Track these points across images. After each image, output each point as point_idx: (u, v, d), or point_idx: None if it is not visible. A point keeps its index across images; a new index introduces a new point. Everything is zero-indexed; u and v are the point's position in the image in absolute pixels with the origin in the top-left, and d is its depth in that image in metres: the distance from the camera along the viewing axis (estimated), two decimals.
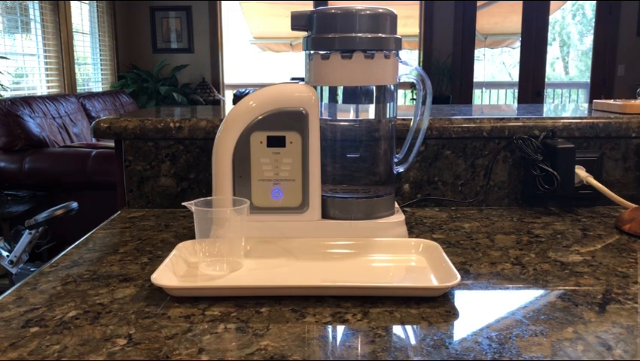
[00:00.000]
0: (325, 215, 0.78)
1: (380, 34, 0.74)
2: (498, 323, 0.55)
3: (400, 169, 0.84)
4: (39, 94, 4.10)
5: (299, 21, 0.77)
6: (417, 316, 0.56)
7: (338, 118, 0.80)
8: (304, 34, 0.78)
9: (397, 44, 0.76)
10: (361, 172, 0.81)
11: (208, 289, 0.61)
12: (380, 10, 0.74)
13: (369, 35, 0.73)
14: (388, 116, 0.80)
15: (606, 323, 0.54)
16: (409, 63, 0.78)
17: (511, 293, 0.63)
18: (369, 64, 0.74)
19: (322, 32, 0.74)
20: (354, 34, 0.73)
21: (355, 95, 0.79)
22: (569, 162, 0.94)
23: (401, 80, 0.79)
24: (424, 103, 0.80)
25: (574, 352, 0.48)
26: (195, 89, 5.60)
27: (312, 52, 0.76)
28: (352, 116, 0.81)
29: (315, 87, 0.77)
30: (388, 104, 0.79)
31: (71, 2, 4.58)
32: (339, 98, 0.79)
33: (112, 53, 5.41)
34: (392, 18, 0.75)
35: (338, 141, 0.80)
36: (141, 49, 5.68)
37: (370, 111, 0.79)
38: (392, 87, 0.78)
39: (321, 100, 0.78)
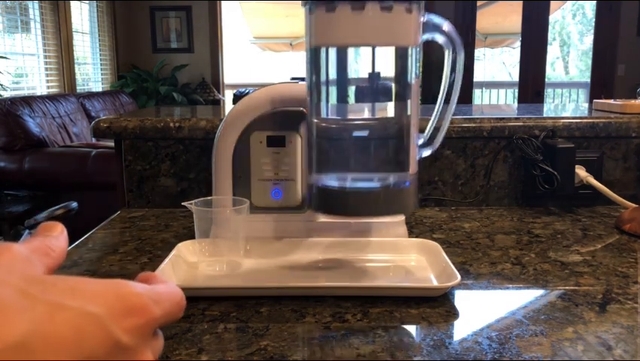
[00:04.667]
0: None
1: None
2: (498, 322, 0.55)
3: (426, 153, 0.67)
4: (39, 94, 4.10)
5: None
6: (417, 316, 0.56)
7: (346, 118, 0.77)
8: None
9: None
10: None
11: (208, 289, 0.61)
12: None
13: None
14: (408, 113, 0.61)
15: (606, 323, 0.54)
16: (435, 20, 0.61)
17: (511, 293, 0.63)
18: (386, 18, 0.57)
19: None
20: None
21: (368, 92, 0.61)
22: (569, 162, 0.94)
23: (424, 40, 0.62)
24: (453, 70, 0.64)
25: (574, 352, 0.48)
26: (195, 89, 5.60)
27: (312, 1, 0.59)
28: (366, 115, 0.63)
29: (317, 52, 0.60)
30: (408, 101, 0.61)
31: (71, 2, 4.58)
32: (350, 99, 0.62)
33: (112, 52, 5.41)
34: None
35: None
36: (141, 49, 5.68)
37: (389, 110, 0.62)
38: (412, 78, 0.59)
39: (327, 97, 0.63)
